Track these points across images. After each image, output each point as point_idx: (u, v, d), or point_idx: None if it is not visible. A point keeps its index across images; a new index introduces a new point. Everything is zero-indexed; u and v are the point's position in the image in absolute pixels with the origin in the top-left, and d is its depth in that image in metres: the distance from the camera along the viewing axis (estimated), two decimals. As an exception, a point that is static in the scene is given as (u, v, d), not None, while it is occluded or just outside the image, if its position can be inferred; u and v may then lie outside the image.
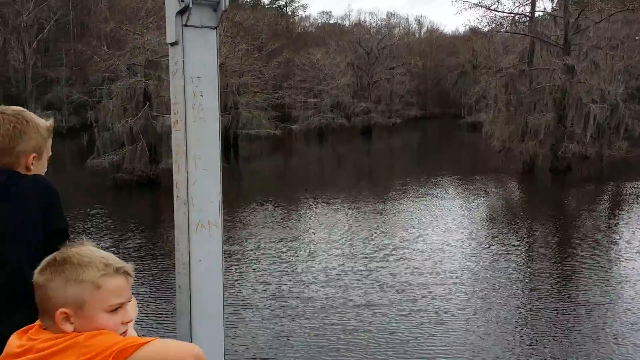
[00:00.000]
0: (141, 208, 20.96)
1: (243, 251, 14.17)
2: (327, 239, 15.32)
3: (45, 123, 2.12)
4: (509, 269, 12.79)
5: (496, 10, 33.43)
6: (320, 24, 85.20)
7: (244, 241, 15.08)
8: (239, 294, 11.07)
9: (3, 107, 2.07)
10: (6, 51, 51.76)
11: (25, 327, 1.58)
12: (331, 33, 71.20)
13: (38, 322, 1.58)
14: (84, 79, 53.86)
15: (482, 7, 33.56)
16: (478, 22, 67.10)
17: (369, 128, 54.37)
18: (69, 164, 32.33)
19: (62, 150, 42.80)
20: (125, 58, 24.65)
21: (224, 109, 37.90)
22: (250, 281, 11.91)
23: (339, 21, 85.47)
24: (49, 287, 1.49)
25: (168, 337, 1.66)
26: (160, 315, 9.73)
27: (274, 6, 79.00)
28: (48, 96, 48.95)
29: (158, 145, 23.34)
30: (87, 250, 1.56)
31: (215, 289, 2.15)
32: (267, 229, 16.62)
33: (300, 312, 10.17)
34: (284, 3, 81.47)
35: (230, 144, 38.84)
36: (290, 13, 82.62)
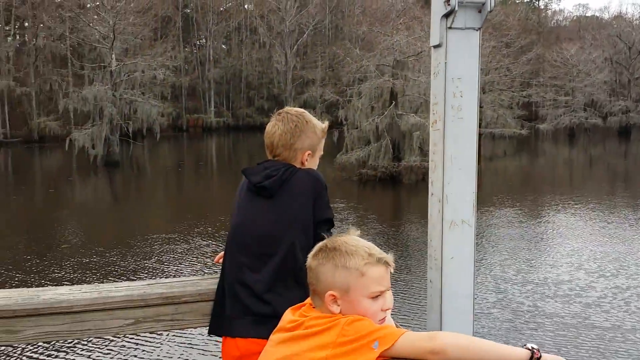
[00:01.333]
0: (381, 204, 21.70)
1: (476, 254, 13.87)
2: (569, 250, 14.21)
3: (321, 125, 2.35)
4: None
5: None
6: (575, 17, 79.26)
7: (477, 243, 14.74)
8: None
9: (288, 108, 2.36)
10: (271, 55, 57.53)
11: (298, 304, 1.77)
12: (587, 26, 65.72)
13: (309, 300, 1.76)
14: (335, 80, 57.51)
15: None
16: None
17: (627, 129, 49.06)
18: (320, 158, 34.66)
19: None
20: (375, 59, 25.75)
21: (468, 107, 37.34)
22: (480, 287, 11.59)
23: (597, 14, 78.56)
24: (320, 271, 1.66)
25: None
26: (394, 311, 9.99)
27: (525, 0, 75.43)
28: (304, 96, 53.13)
29: (401, 143, 23.94)
30: (354, 239, 1.70)
31: (465, 287, 2.18)
32: (503, 233, 16.00)
33: (533, 327, 9.60)
34: (535, -3, 77.39)
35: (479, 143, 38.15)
36: (542, 7, 78.22)
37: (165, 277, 11.34)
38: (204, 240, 14.59)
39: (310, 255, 1.70)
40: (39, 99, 44.41)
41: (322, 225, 2.19)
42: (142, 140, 37.73)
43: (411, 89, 24.19)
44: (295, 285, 2.07)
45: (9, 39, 48.11)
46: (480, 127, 32.46)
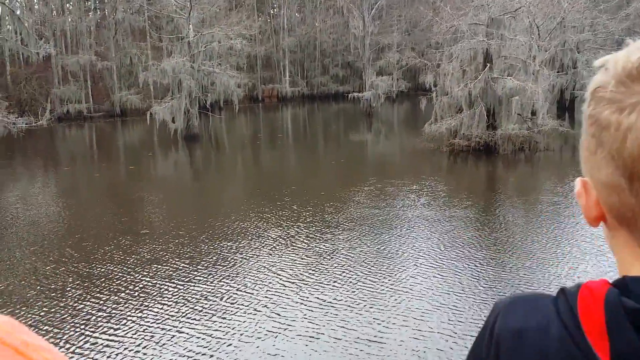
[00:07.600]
0: (474, 177, 20.06)
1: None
2: None
3: None
4: None
5: None
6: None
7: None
8: None
9: None
10: (346, 20, 55.90)
11: None
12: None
13: None
14: (413, 44, 55.32)
15: None
16: None
17: None
18: (406, 128, 33.23)
19: (394, 114, 44.63)
20: (467, 17, 23.73)
21: (560, 68, 34.76)
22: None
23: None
24: None
25: None
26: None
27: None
28: (380, 62, 51.38)
29: (497, 110, 22.03)
30: None
31: None
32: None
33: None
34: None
35: (565, 107, 35.66)
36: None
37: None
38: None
39: None
40: (120, 73, 44.86)
41: None
42: (220, 113, 37.34)
43: (508, 50, 22.18)
44: None
45: (90, 13, 48.74)
46: (573, 89, 29.74)
